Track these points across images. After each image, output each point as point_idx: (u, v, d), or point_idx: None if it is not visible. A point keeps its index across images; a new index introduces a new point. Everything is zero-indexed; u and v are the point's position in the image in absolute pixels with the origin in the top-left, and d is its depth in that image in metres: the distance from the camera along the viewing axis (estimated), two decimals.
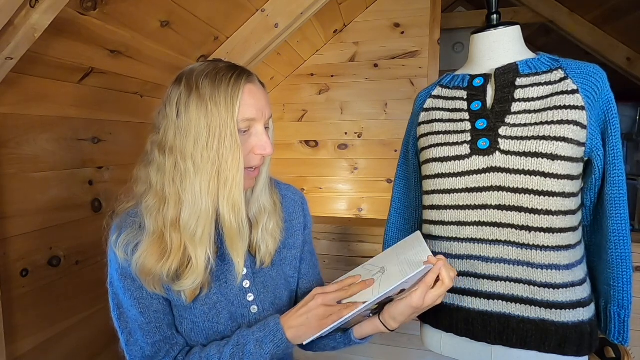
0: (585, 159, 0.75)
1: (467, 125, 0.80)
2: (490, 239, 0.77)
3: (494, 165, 0.75)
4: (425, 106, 0.92)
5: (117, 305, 0.69)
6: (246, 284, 0.73)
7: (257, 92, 0.67)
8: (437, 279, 0.67)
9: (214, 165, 0.62)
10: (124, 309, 0.69)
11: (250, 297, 0.73)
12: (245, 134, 0.66)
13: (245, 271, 0.73)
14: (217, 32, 1.39)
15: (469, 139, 0.79)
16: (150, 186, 0.67)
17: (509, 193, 0.74)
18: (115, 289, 0.69)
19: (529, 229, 0.73)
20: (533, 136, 0.72)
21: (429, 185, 0.85)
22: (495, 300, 0.77)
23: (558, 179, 0.71)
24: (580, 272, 0.75)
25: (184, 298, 0.68)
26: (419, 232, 0.79)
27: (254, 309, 0.73)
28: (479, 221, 0.77)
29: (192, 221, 0.63)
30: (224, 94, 0.63)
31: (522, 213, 0.73)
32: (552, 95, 0.74)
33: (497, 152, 0.75)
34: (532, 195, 0.72)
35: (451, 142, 0.81)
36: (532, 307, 0.74)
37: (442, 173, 0.81)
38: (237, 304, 0.72)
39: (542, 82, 0.76)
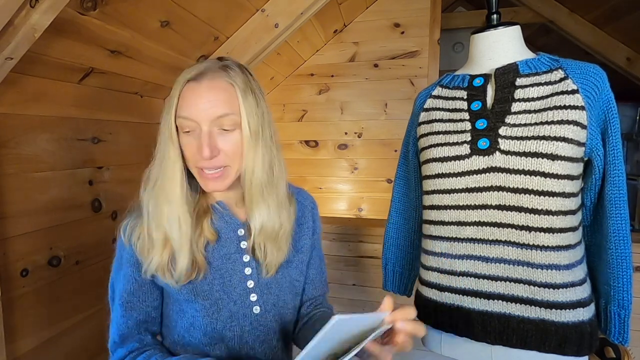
0: (585, 159, 0.75)
1: (467, 125, 0.80)
2: (490, 239, 0.77)
3: (494, 165, 0.75)
4: (426, 106, 0.92)
5: (112, 289, 0.75)
6: (250, 284, 0.74)
7: (195, 90, 0.66)
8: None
9: (160, 164, 0.70)
10: (115, 295, 0.74)
11: (254, 298, 0.74)
12: (190, 134, 0.68)
13: (250, 271, 0.74)
14: (217, 32, 1.39)
15: (469, 139, 0.79)
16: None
17: (509, 193, 0.74)
18: (112, 274, 0.75)
19: (529, 229, 0.73)
20: (533, 136, 0.72)
21: (429, 185, 0.85)
22: (495, 300, 0.77)
23: (558, 179, 0.71)
24: (580, 272, 0.75)
25: (176, 277, 0.69)
26: (336, 317, 0.53)
27: (257, 309, 0.74)
28: (479, 221, 0.77)
29: (148, 203, 0.70)
30: (170, 95, 0.69)
31: (522, 213, 0.73)
32: (552, 95, 0.74)
33: (497, 152, 0.75)
34: (532, 195, 0.72)
35: (451, 142, 0.81)
36: (532, 307, 0.74)
37: (442, 173, 0.81)
38: (240, 304, 0.73)
39: (542, 82, 0.76)
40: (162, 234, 0.69)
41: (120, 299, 0.72)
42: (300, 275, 0.81)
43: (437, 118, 0.87)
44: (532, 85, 0.77)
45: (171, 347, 0.76)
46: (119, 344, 0.71)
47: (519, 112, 0.76)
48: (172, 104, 0.68)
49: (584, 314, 0.73)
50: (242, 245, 0.74)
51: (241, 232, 0.75)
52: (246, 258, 0.74)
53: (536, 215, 0.72)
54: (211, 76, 0.67)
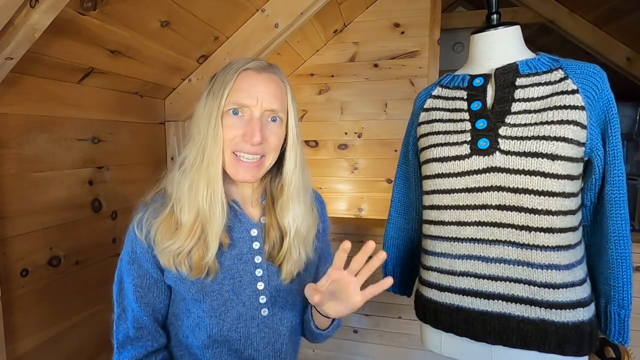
0: (585, 159, 0.75)
1: (467, 125, 0.80)
2: (490, 239, 0.76)
3: (494, 165, 0.75)
4: (425, 106, 0.92)
5: (120, 281, 0.74)
6: (260, 285, 0.74)
7: (255, 78, 0.69)
8: None
9: (200, 143, 0.69)
10: (125, 288, 0.73)
11: (263, 300, 0.74)
12: (235, 117, 0.69)
13: (261, 273, 0.74)
14: (217, 32, 1.39)
15: (469, 139, 0.79)
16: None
17: (509, 193, 0.74)
18: (122, 266, 0.73)
19: (529, 229, 0.73)
20: (533, 136, 0.72)
21: (429, 185, 0.85)
22: (495, 300, 0.77)
23: (558, 179, 0.71)
24: (580, 272, 0.75)
25: (185, 272, 0.68)
26: None
27: (265, 311, 0.74)
28: (479, 221, 0.77)
29: (181, 184, 0.70)
30: (221, 80, 0.69)
31: (522, 213, 0.73)
32: (552, 95, 0.74)
33: (497, 152, 0.75)
34: (532, 195, 0.72)
35: (451, 142, 0.81)
36: (532, 307, 0.74)
37: (442, 173, 0.81)
38: (249, 305, 0.73)
39: (542, 82, 0.76)
40: (194, 216, 0.68)
41: (134, 294, 0.71)
42: (309, 276, 0.81)
43: (437, 118, 0.87)
44: (532, 85, 0.77)
45: (175, 346, 0.76)
46: (133, 338, 0.72)
47: (519, 112, 0.76)
48: (224, 87, 0.68)
49: (584, 314, 0.73)
50: (254, 246, 0.74)
51: (254, 232, 0.74)
52: (258, 259, 0.74)
53: (536, 215, 0.72)
54: (270, 71, 0.71)
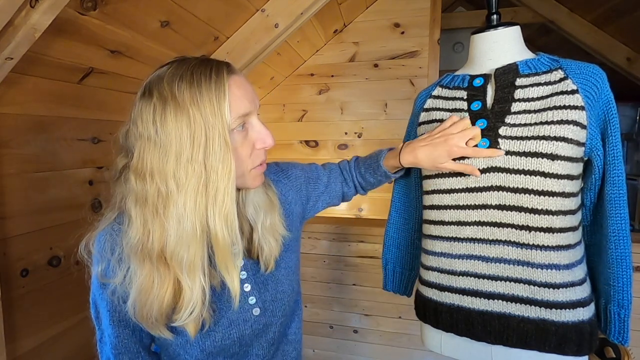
0: (585, 158, 0.75)
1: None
2: (490, 238, 0.77)
3: (494, 165, 0.75)
4: (426, 106, 0.92)
5: (94, 305, 0.68)
6: (247, 287, 0.71)
7: (243, 82, 0.62)
8: None
9: (200, 179, 0.56)
10: (100, 312, 0.67)
11: (252, 300, 0.71)
12: (243, 132, 0.62)
13: (245, 275, 0.71)
14: (217, 32, 1.39)
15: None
16: (130, 220, 0.60)
17: (509, 193, 0.74)
18: (94, 290, 0.67)
19: (529, 228, 0.73)
20: (533, 136, 0.72)
21: (429, 185, 0.85)
22: (495, 300, 0.77)
23: (558, 179, 0.71)
24: (580, 272, 0.75)
25: (188, 334, 0.64)
26: None
27: (256, 311, 0.72)
28: (479, 221, 0.77)
29: (179, 248, 0.57)
30: (207, 94, 0.56)
31: (522, 213, 0.73)
32: (552, 95, 0.74)
33: None
34: (532, 195, 0.72)
35: None
36: (532, 307, 0.74)
37: (442, 173, 0.81)
38: (239, 309, 0.70)
39: (542, 82, 0.76)
40: (200, 274, 0.59)
41: (110, 319, 0.65)
42: (293, 253, 0.78)
43: (437, 118, 0.87)
44: (532, 85, 0.77)
45: None
46: None
47: (519, 112, 0.76)
48: (219, 100, 0.56)
49: (584, 313, 0.74)
50: (233, 250, 0.69)
51: None
52: (240, 262, 0.70)
53: (536, 215, 0.72)
54: (233, 66, 0.64)
